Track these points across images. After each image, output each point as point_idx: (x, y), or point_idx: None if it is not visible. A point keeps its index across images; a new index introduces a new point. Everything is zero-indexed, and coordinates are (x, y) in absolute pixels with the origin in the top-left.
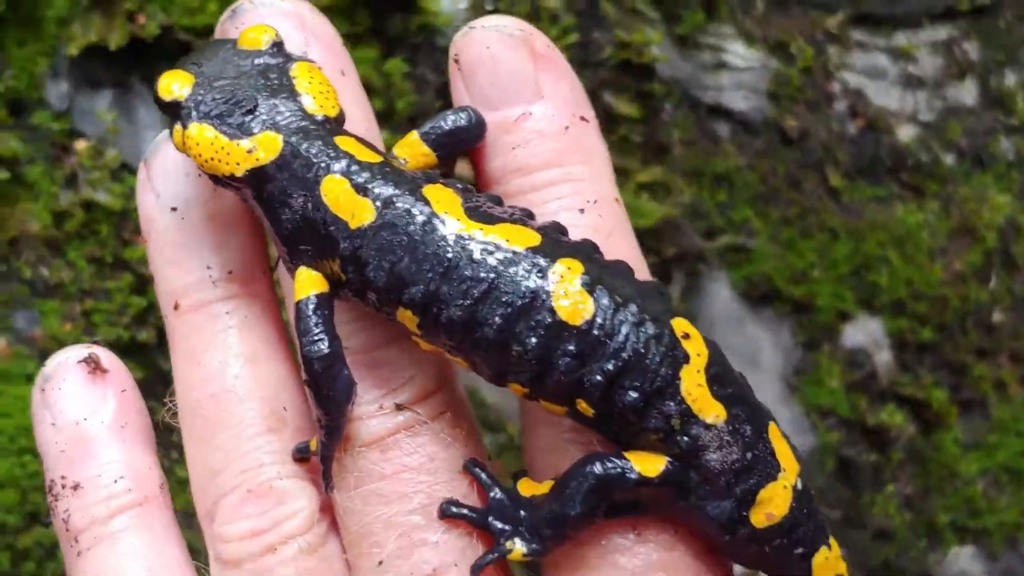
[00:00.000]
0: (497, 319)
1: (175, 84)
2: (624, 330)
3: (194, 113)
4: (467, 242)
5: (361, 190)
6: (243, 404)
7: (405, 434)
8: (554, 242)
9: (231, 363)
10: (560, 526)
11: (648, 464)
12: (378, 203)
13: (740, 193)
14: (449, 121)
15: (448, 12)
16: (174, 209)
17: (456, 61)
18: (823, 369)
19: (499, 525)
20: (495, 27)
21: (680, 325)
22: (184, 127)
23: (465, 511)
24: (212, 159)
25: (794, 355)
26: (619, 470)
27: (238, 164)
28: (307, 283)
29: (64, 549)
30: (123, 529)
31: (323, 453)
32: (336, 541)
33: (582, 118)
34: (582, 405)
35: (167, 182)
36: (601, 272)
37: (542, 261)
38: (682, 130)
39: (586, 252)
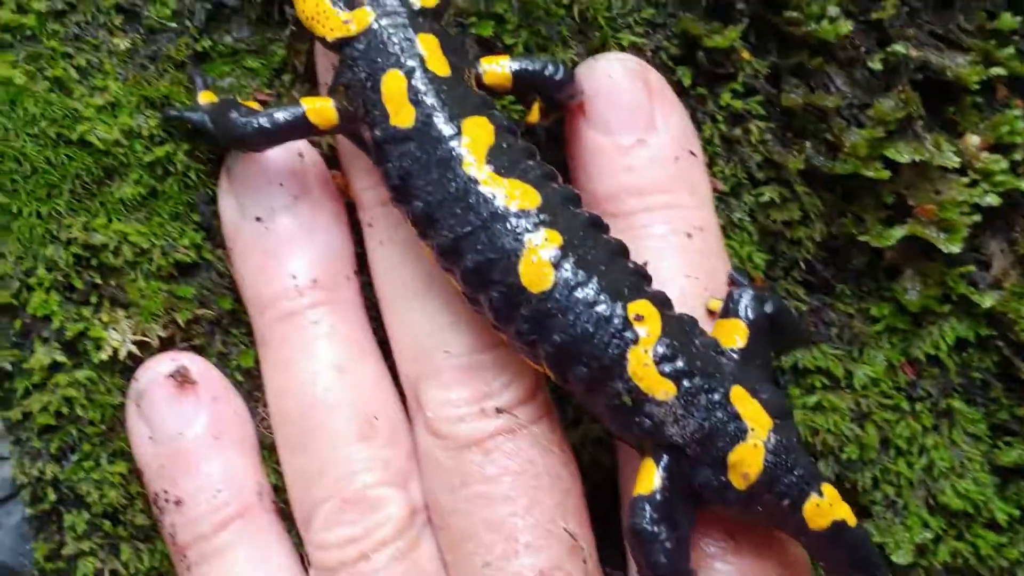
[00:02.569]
0: (469, 262)
1: None
2: (577, 308)
3: None
4: (470, 184)
5: (412, 96)
6: (334, 414)
7: (505, 437)
8: (551, 206)
9: (321, 373)
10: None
11: (644, 481)
12: (420, 115)
13: None
14: (541, 65)
15: None
16: (258, 219)
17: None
18: None
19: None
20: (617, 59)
21: (635, 307)
22: None
23: None
24: (312, 18)
25: None
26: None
27: (332, 30)
28: (314, 105)
29: (174, 560)
30: (228, 544)
31: (187, 114)
32: (429, 543)
33: (691, 152)
34: (546, 371)
35: (249, 191)
36: (578, 248)
37: (526, 225)
38: None
39: (577, 220)
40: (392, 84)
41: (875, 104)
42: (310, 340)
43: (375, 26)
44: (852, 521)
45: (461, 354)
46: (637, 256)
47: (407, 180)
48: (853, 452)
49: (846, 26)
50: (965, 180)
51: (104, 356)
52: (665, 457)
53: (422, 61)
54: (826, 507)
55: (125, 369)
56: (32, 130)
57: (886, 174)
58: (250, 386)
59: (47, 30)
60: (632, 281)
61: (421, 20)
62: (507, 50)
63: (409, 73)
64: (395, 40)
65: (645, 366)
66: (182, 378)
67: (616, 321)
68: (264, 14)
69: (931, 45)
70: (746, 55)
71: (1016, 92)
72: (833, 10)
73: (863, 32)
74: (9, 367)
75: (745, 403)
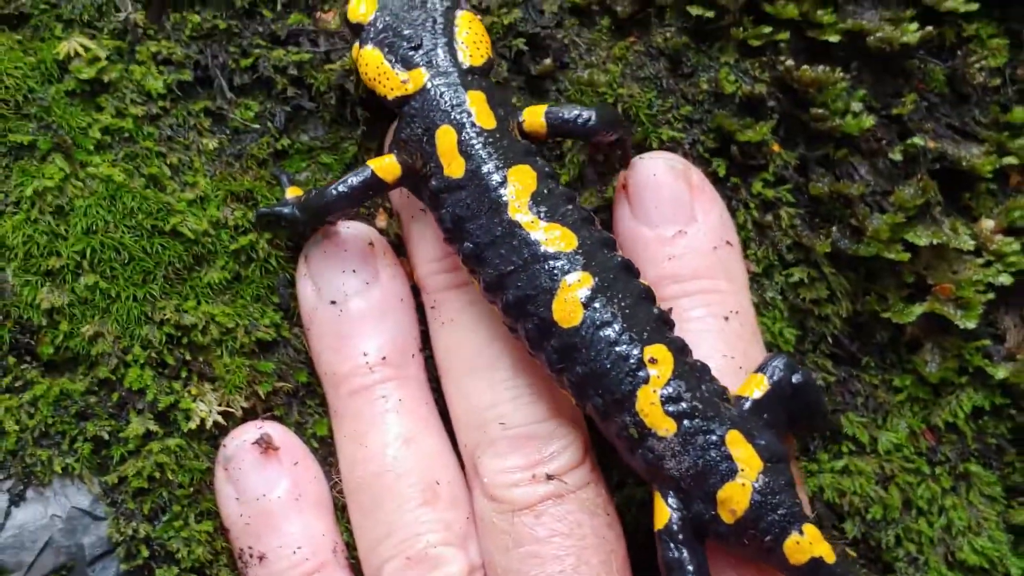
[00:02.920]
0: (511, 296)
1: (362, 7)
2: (599, 345)
3: (371, 37)
4: (516, 228)
5: (462, 149)
6: (401, 481)
7: (554, 502)
8: (586, 250)
9: (390, 444)
10: None
11: (659, 516)
12: (470, 166)
13: None
14: (574, 113)
15: None
16: (333, 302)
17: (624, 186)
18: None
19: None
20: (661, 158)
21: (651, 350)
22: (361, 47)
23: None
24: (374, 79)
25: None
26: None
27: (392, 89)
28: (381, 163)
29: None
30: None
31: (275, 210)
32: None
33: (728, 242)
34: (571, 398)
35: (325, 277)
36: (608, 290)
37: (563, 265)
38: None
39: (610, 264)
40: (445, 138)
41: (896, 191)
42: (380, 414)
43: (429, 85)
44: (830, 559)
45: (514, 425)
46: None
47: (459, 224)
48: (877, 512)
49: (868, 120)
50: (980, 261)
51: (192, 425)
52: (668, 491)
53: (471, 116)
54: (806, 544)
55: (211, 437)
56: (130, 222)
57: (906, 256)
58: (324, 452)
59: (143, 132)
60: (654, 326)
61: (470, 78)
62: (555, 97)
63: (459, 128)
64: (447, 98)
65: (652, 404)
66: (266, 445)
67: (632, 361)
68: (338, 115)
69: (948, 137)
70: (776, 148)
71: None
72: (856, 106)
73: (884, 126)
74: (107, 436)
75: (739, 446)
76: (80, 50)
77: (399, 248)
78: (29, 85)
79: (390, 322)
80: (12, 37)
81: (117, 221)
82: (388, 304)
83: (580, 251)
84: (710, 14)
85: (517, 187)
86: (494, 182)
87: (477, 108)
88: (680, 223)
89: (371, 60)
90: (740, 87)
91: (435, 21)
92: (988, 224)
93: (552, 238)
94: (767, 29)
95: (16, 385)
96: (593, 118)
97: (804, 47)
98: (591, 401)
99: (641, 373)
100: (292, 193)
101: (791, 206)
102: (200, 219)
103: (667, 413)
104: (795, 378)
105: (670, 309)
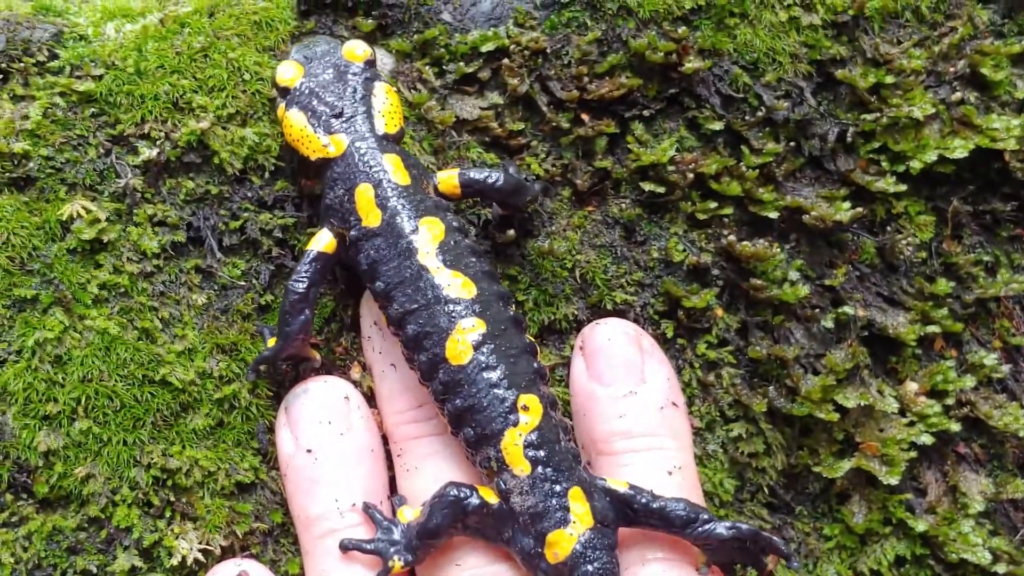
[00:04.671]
0: (412, 330)
1: (289, 72)
2: (481, 385)
3: (296, 101)
4: (423, 272)
5: (379, 202)
6: None
7: None
8: (484, 300)
9: None
10: (425, 537)
11: (489, 495)
12: (386, 216)
13: None
14: (483, 175)
15: None
16: (309, 451)
17: (581, 348)
18: None
19: (386, 548)
20: (616, 324)
21: (525, 399)
22: (287, 109)
23: (360, 543)
24: (298, 140)
25: None
26: (467, 493)
27: (313, 151)
28: (320, 241)
29: None
30: None
31: (263, 355)
32: None
33: (674, 403)
34: (448, 426)
35: (303, 427)
36: (497, 339)
37: (460, 310)
38: None
39: (503, 316)
40: (364, 195)
41: (828, 355)
42: (347, 556)
43: (350, 150)
44: None
45: (472, 567)
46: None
47: (373, 266)
48: None
49: (804, 290)
50: (904, 421)
51: (175, 562)
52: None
53: (387, 174)
54: None
55: (191, 573)
56: (122, 372)
57: (836, 416)
58: None
59: (138, 288)
60: (531, 378)
61: (386, 143)
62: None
63: (377, 184)
64: (367, 160)
65: (515, 445)
66: None
67: (507, 404)
68: None
69: (877, 306)
70: (720, 312)
71: (950, 345)
72: (793, 275)
73: (819, 294)
74: (95, 570)
75: (578, 501)
76: (82, 212)
77: (371, 399)
78: (34, 243)
79: (361, 470)
80: (19, 198)
81: (111, 371)
82: (360, 453)
83: (478, 300)
84: (661, 189)
85: (427, 236)
86: (407, 230)
87: (394, 167)
88: (631, 384)
89: (295, 123)
90: (687, 256)
91: (355, 91)
92: (912, 387)
93: (454, 284)
94: (713, 204)
95: (12, 520)
96: (501, 179)
97: (747, 220)
98: (464, 430)
99: (512, 416)
100: (272, 342)
101: (732, 366)
102: (188, 369)
103: (526, 456)
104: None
105: (619, 454)
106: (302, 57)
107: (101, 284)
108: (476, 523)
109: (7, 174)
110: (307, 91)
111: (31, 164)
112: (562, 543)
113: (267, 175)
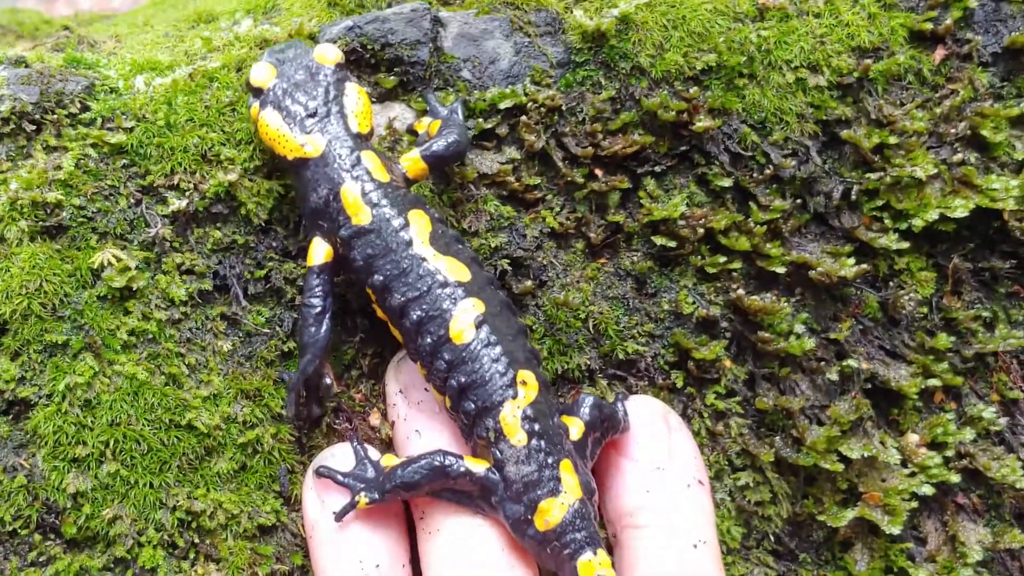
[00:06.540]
0: (415, 316)
1: (262, 73)
2: (483, 361)
3: (270, 101)
4: (420, 260)
5: (367, 200)
6: None
7: None
8: (478, 284)
9: None
10: (401, 488)
11: (476, 464)
12: (374, 212)
13: None
14: (444, 145)
15: None
16: (334, 514)
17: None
18: None
19: (356, 484)
20: (644, 402)
21: (523, 375)
22: (261, 109)
23: (333, 472)
24: (273, 139)
25: None
26: (454, 460)
27: (290, 151)
28: (318, 254)
29: None
30: None
31: (292, 382)
32: None
33: (699, 480)
34: (447, 401)
35: (330, 492)
36: (495, 319)
37: (460, 293)
38: None
39: (496, 298)
40: (348, 192)
41: (832, 407)
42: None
43: (327, 150)
44: None
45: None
46: (647, 561)
47: (370, 261)
48: None
49: (809, 343)
50: (906, 472)
51: None
52: (497, 482)
53: (369, 172)
54: (595, 566)
55: None
56: (150, 416)
57: (840, 467)
58: None
59: (165, 334)
60: (527, 356)
61: (360, 142)
62: (533, 313)
63: (361, 183)
64: (346, 159)
65: (513, 416)
66: None
67: (507, 379)
68: (339, 323)
69: (879, 359)
70: (728, 364)
71: (950, 397)
72: (799, 328)
73: (824, 347)
74: None
75: (568, 473)
76: (113, 260)
77: (389, 447)
78: (65, 290)
79: (384, 533)
80: (52, 246)
81: (139, 415)
82: (385, 517)
83: (473, 283)
84: (672, 243)
85: (417, 227)
86: (398, 224)
87: (373, 165)
88: (659, 461)
89: (270, 122)
90: (697, 309)
91: (327, 91)
92: (913, 439)
93: (451, 270)
94: (722, 258)
95: (40, 560)
96: (461, 140)
97: (755, 274)
98: (465, 404)
99: (511, 390)
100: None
101: (740, 416)
102: (213, 414)
103: (523, 427)
104: (602, 411)
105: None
106: (275, 59)
107: (130, 330)
108: (458, 487)
109: (40, 223)
110: (280, 91)
111: (64, 213)
112: (553, 511)
113: (291, 225)
